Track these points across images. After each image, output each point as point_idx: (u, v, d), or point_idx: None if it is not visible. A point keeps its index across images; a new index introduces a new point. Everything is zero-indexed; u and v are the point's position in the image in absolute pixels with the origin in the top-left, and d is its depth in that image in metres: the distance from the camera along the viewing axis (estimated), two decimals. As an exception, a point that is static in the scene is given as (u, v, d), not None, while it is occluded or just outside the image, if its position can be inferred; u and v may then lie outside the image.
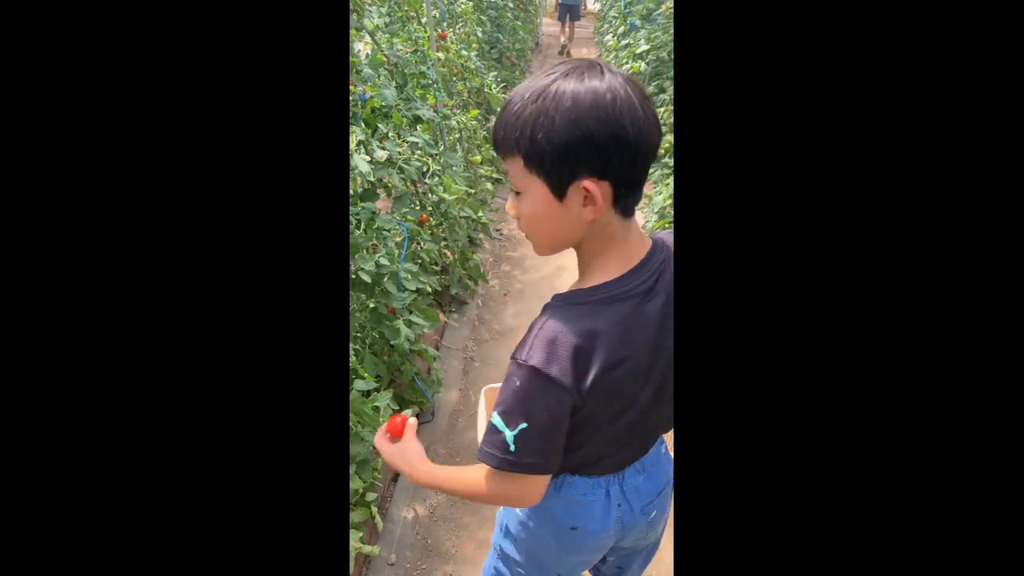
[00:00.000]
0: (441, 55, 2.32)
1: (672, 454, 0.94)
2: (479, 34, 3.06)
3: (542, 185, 0.61)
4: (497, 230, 3.22)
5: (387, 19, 1.96)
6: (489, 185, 2.84)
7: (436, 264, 2.38)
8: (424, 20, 2.25)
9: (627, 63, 3.84)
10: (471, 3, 3.28)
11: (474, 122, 2.63)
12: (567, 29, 7.51)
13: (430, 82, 2.07)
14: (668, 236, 0.73)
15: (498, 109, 2.58)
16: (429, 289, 2.02)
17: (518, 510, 0.85)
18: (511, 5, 4.10)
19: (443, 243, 2.27)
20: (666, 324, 0.68)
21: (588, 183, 0.59)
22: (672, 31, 3.44)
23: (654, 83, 3.60)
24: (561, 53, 7.37)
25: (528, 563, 0.87)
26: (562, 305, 0.66)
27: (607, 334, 0.64)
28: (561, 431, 0.67)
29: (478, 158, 2.75)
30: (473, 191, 2.78)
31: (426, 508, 1.74)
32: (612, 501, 0.79)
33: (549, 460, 0.67)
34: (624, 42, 4.20)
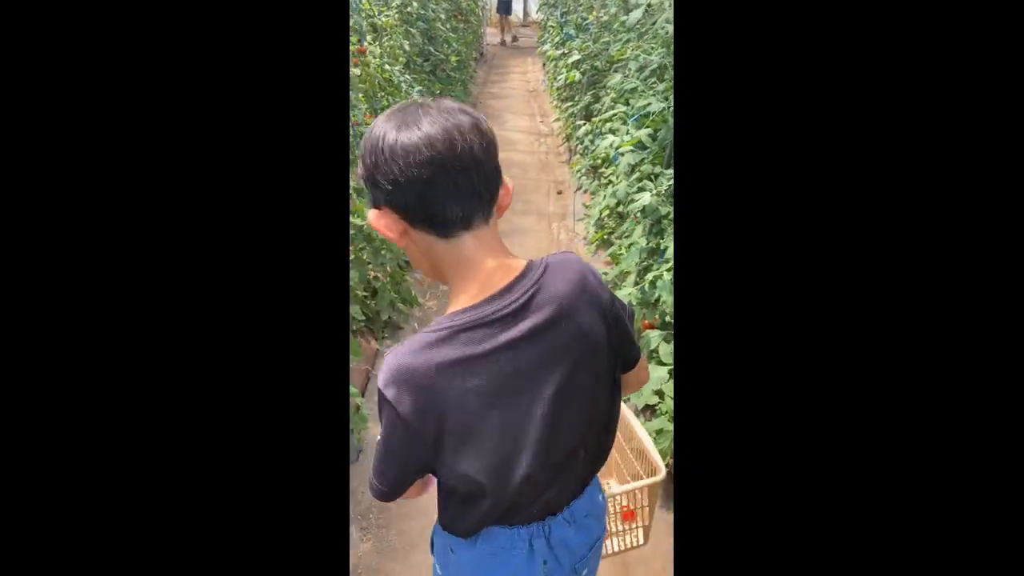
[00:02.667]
0: (358, 71, 2.21)
1: (639, 484, 0.95)
2: (406, 47, 2.96)
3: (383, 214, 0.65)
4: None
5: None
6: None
7: (363, 291, 2.26)
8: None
9: (563, 72, 3.81)
10: (397, 15, 3.19)
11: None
12: (503, 23, 8.58)
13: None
14: (558, 256, 0.70)
15: None
16: (353, 319, 1.90)
17: (435, 562, 0.80)
18: (443, 16, 4.02)
19: (368, 267, 2.15)
20: (539, 346, 0.64)
21: (374, 213, 0.65)
22: (601, 41, 3.43)
23: (590, 92, 3.57)
24: (501, 44, 8.52)
25: None
26: (420, 332, 0.65)
27: (449, 374, 0.62)
28: (395, 458, 0.66)
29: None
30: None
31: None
32: (537, 557, 0.73)
33: (398, 480, 0.68)
34: (560, 51, 4.18)
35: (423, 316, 2.66)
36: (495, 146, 0.64)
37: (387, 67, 2.54)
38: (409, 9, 3.35)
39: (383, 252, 2.22)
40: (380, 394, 0.63)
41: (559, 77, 4.02)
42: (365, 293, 2.25)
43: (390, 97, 2.66)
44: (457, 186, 0.60)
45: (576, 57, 3.44)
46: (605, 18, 3.66)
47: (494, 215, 0.66)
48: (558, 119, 4.65)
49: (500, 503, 0.68)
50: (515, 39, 8.65)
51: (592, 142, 3.01)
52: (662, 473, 1.04)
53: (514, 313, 0.63)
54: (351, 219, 1.71)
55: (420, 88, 2.61)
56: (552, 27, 5.32)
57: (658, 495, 1.08)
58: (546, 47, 5.26)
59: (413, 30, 3.39)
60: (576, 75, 3.55)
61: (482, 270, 0.65)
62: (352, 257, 2.09)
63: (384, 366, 0.63)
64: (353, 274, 1.82)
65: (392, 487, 0.69)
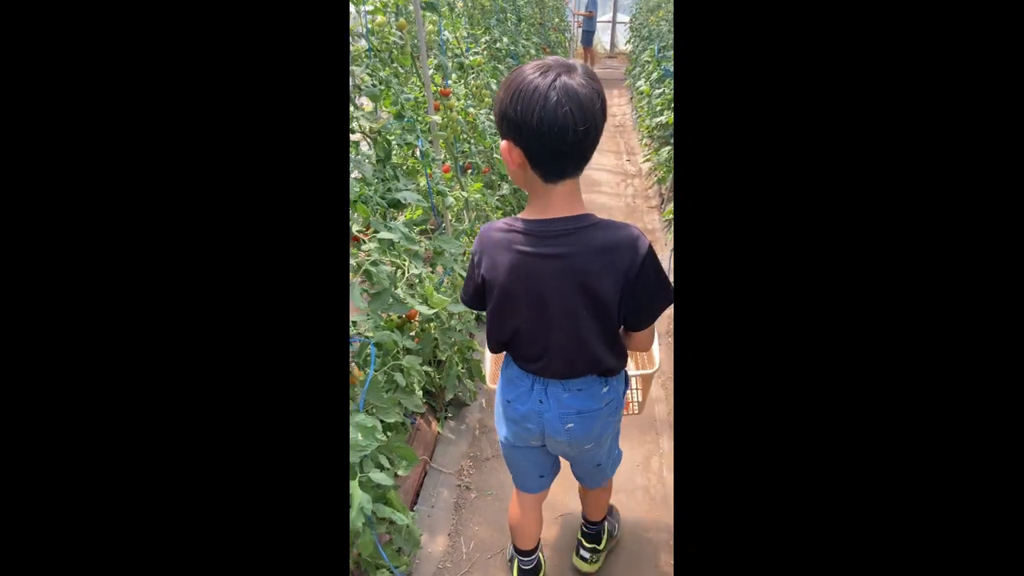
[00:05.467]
0: (438, 118, 1.95)
1: (636, 373, 1.36)
2: (493, 85, 2.71)
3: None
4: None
5: (368, 78, 1.59)
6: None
7: (428, 364, 1.96)
8: (424, 76, 1.90)
9: (663, 113, 3.44)
10: (486, 52, 2.95)
11: (478, 195, 2.24)
12: (587, 55, 8.67)
13: (424, 151, 1.69)
14: (617, 225, 0.94)
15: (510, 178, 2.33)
16: (411, 409, 1.59)
17: (500, 377, 1.17)
18: (533, 52, 3.77)
19: (433, 345, 1.85)
20: (545, 269, 0.94)
21: (506, 143, 0.89)
22: None
23: None
24: None
25: (497, 419, 1.21)
26: (502, 220, 0.99)
27: (497, 246, 0.97)
28: (470, 285, 1.06)
29: (486, 229, 2.35)
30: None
31: None
32: (534, 395, 1.08)
33: (466, 296, 1.09)
34: (658, 90, 3.80)
35: (490, 395, 2.33)
36: (603, 123, 0.90)
37: (472, 109, 2.27)
38: (499, 45, 3.11)
39: (451, 327, 1.91)
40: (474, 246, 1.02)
41: (654, 117, 3.64)
42: (429, 368, 1.95)
43: (470, 142, 2.39)
44: (565, 154, 0.87)
45: None
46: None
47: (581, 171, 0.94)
48: (647, 159, 4.28)
49: (510, 343, 1.05)
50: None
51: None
52: (656, 367, 1.40)
53: (544, 237, 0.93)
54: (422, 307, 1.41)
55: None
56: (648, 61, 4.96)
57: (651, 382, 1.48)
58: (640, 83, 4.91)
59: (501, 66, 3.14)
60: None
61: (552, 204, 0.92)
62: (417, 332, 1.79)
63: (481, 229, 1.00)
64: (411, 361, 1.52)
65: (465, 296, 1.08)
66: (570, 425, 1.08)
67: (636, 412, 1.51)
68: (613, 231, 0.92)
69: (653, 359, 1.43)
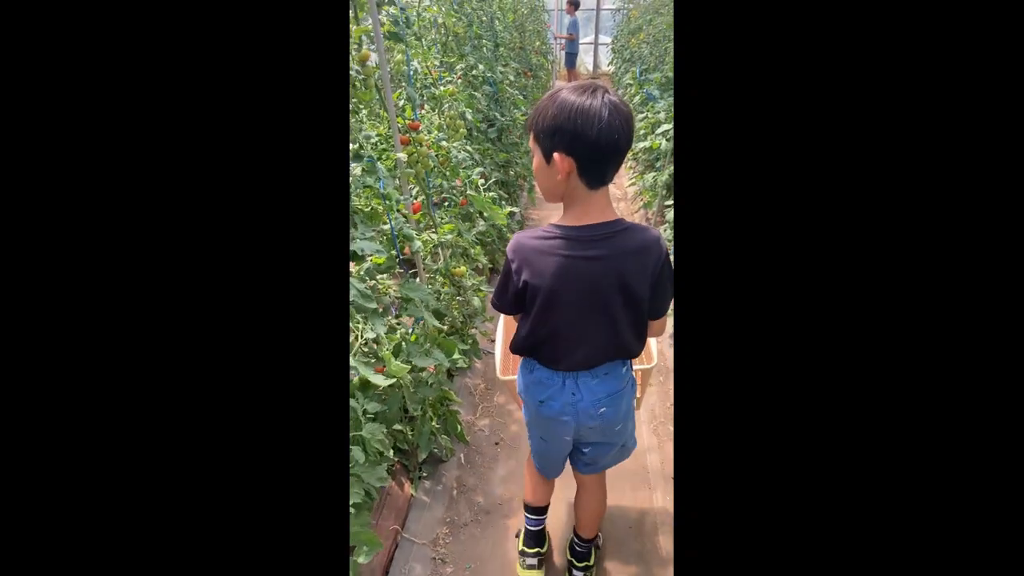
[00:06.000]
0: (404, 155, 1.80)
1: (635, 368, 1.41)
2: (468, 116, 2.58)
3: (539, 151, 1.03)
4: (488, 347, 2.64)
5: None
6: (477, 300, 2.28)
7: (399, 420, 1.79)
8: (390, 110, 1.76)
9: (647, 138, 3.33)
10: (461, 81, 2.83)
11: (449, 235, 2.09)
12: (570, 77, 8.61)
13: (386, 193, 1.54)
14: (641, 228, 1.09)
15: (486, 214, 2.26)
16: (374, 485, 1.41)
17: (520, 381, 1.30)
18: (512, 78, 3.66)
19: (401, 405, 1.68)
20: (590, 270, 1.06)
21: (559, 155, 1.00)
22: None
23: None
24: None
25: (529, 422, 1.34)
26: (538, 229, 1.09)
27: (540, 253, 1.07)
28: (508, 292, 1.14)
29: (463, 268, 2.20)
30: (448, 323, 2.22)
31: None
32: (567, 389, 1.20)
33: (503, 304, 1.18)
34: (641, 115, 3.70)
35: (472, 443, 2.16)
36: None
37: (444, 143, 2.13)
38: (475, 72, 3.00)
39: (423, 381, 1.75)
40: (506, 256, 1.12)
41: (638, 142, 3.53)
42: (400, 425, 1.78)
43: (444, 178, 2.25)
44: (612, 161, 1.02)
45: (665, 127, 2.95)
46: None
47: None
48: (632, 183, 4.17)
49: (544, 346, 1.16)
50: None
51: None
52: (654, 362, 1.53)
53: (588, 241, 1.05)
54: (377, 378, 1.25)
55: (482, 168, 2.19)
56: (630, 84, 4.88)
57: (649, 377, 1.58)
58: (622, 105, 4.83)
59: (478, 94, 3.02)
60: (662, 143, 3.06)
61: (590, 211, 1.05)
62: (384, 390, 1.62)
63: (512, 241, 1.10)
64: (372, 429, 1.34)
65: (502, 302, 1.18)
66: (603, 409, 1.20)
67: (635, 408, 1.52)
68: (642, 233, 1.07)
69: (651, 354, 1.54)
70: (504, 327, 1.58)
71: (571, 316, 1.09)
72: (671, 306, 1.16)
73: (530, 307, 1.11)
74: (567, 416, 1.21)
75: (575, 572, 1.57)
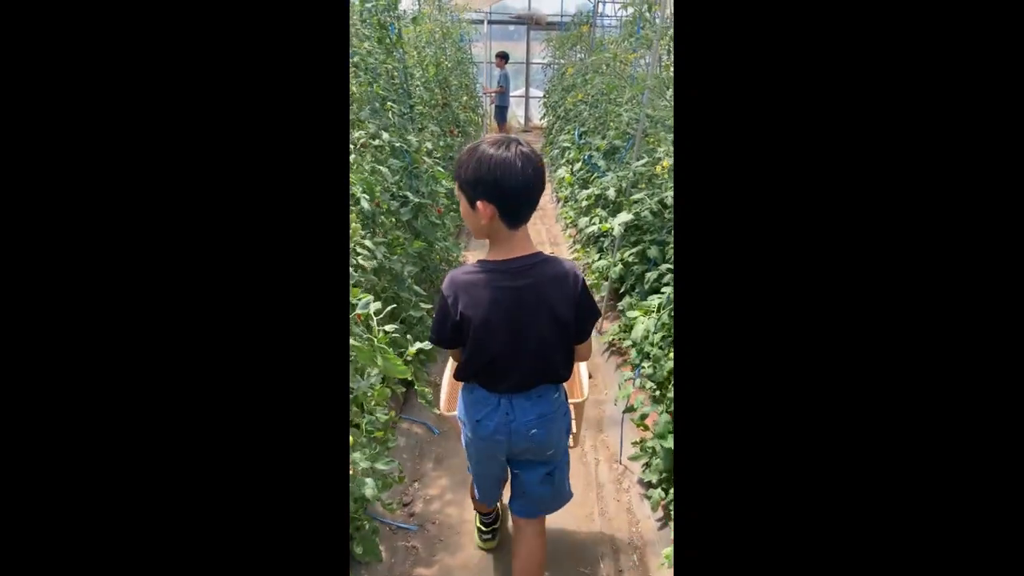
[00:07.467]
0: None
1: (569, 403, 1.47)
2: (364, 205, 1.89)
3: (464, 198, 1.20)
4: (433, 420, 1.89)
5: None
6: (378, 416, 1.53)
7: None
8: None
9: (596, 222, 2.75)
10: (365, 156, 2.15)
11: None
12: (501, 131, 8.42)
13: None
14: (556, 260, 1.26)
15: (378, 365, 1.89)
16: None
17: (460, 403, 1.38)
18: (429, 145, 3.02)
19: None
20: (520, 297, 1.21)
21: (481, 203, 1.17)
22: (671, 186, 2.38)
23: (637, 268, 2.49)
24: None
25: (466, 445, 1.43)
26: (468, 264, 1.27)
27: (474, 285, 1.22)
28: (447, 325, 1.25)
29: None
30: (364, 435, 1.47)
31: None
32: (501, 409, 1.31)
33: (441, 338, 1.29)
34: (586, 191, 3.13)
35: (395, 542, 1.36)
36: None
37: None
38: (378, 142, 2.33)
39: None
40: (440, 291, 1.26)
41: (587, 226, 2.95)
42: None
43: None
44: (528, 204, 1.20)
45: (624, 216, 2.36)
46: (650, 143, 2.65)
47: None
48: (576, 257, 3.62)
49: (484, 370, 1.28)
50: None
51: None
52: (585, 396, 1.68)
53: (514, 272, 1.21)
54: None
55: (370, 298, 1.50)
56: (568, 146, 4.38)
57: (583, 412, 1.69)
58: (560, 171, 4.31)
59: (384, 168, 2.35)
60: (616, 227, 2.48)
61: (513, 247, 1.22)
62: None
63: (447, 277, 1.25)
64: None
65: (440, 336, 1.29)
66: (534, 431, 1.31)
67: (572, 445, 1.56)
68: (559, 264, 1.25)
69: (583, 390, 1.69)
70: (449, 364, 1.66)
71: (505, 339, 1.23)
72: (594, 332, 1.39)
73: (467, 336, 1.24)
74: (501, 436, 1.31)
75: None
